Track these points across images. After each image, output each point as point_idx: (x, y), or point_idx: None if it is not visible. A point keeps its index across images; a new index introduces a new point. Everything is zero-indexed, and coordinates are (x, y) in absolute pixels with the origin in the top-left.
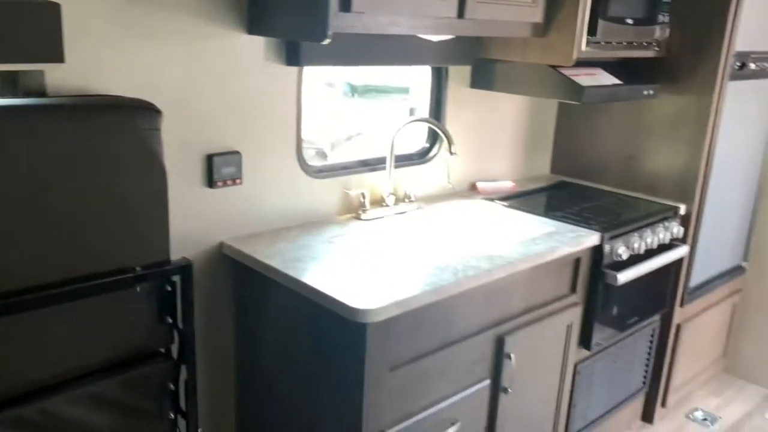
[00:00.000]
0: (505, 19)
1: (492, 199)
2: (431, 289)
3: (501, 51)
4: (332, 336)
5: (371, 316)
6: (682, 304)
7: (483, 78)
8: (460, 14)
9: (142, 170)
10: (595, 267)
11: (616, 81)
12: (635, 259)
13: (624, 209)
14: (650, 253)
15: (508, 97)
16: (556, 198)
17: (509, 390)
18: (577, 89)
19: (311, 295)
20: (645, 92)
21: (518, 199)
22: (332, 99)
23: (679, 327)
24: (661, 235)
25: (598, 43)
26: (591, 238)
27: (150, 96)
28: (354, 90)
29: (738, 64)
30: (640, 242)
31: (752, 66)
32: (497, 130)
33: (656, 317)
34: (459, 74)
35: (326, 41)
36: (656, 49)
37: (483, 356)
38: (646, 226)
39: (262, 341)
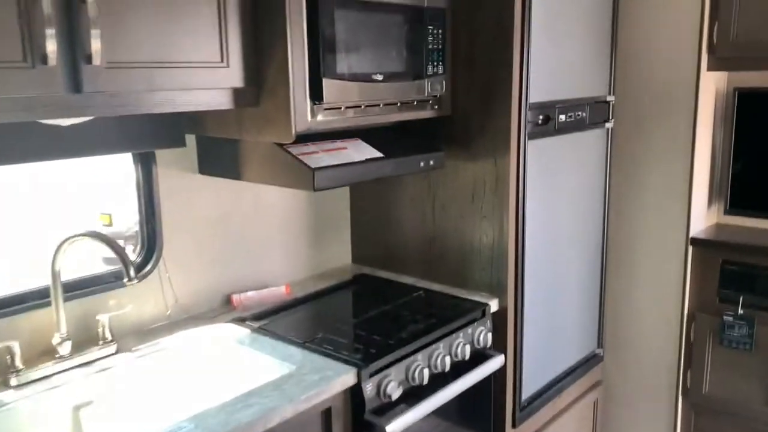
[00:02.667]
0: (181, 86)
1: (244, 320)
2: None
3: (217, 125)
4: None
5: None
6: (514, 425)
7: (212, 161)
8: (76, 88)
9: None
10: (357, 416)
11: (376, 154)
12: (419, 392)
13: (417, 314)
14: (451, 374)
15: None
16: (335, 305)
17: None
18: (305, 173)
19: None
20: (422, 164)
21: (279, 315)
22: None
23: None
24: (459, 349)
25: (338, 108)
26: (343, 379)
27: None
28: None
29: (541, 117)
30: (425, 367)
31: (562, 118)
32: (258, 223)
33: None
34: (183, 157)
35: None
36: (435, 107)
37: None
38: (440, 338)
39: None
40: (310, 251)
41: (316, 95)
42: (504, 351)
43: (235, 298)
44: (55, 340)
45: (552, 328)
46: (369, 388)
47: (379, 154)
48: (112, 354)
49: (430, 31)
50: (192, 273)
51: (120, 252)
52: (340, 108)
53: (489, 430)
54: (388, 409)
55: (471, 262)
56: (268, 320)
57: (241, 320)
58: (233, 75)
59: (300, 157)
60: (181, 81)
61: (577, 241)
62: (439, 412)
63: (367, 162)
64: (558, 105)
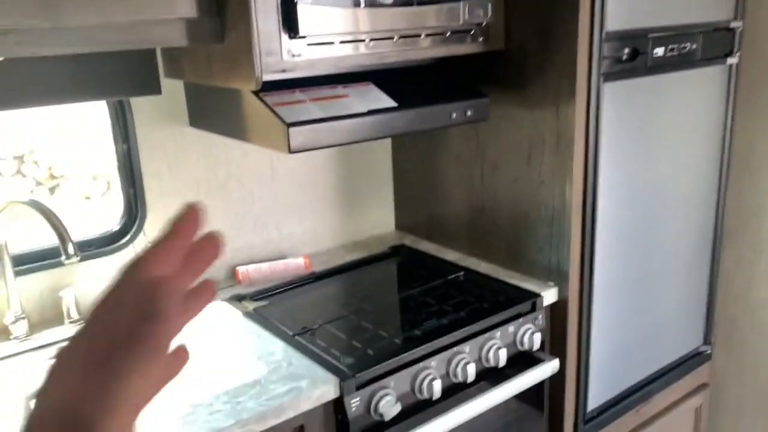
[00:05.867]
0: (126, 19)
1: (242, 298)
2: None
3: (192, 69)
4: None
5: None
6: None
7: (202, 112)
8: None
9: None
10: None
11: (386, 104)
12: (428, 407)
13: (447, 303)
14: (479, 384)
15: None
16: (354, 285)
17: None
18: (277, 129)
19: None
20: (454, 115)
21: (285, 295)
22: None
23: None
24: (491, 354)
25: (328, 44)
26: (320, 392)
27: None
28: None
29: (627, 51)
30: (437, 377)
31: (658, 51)
32: (275, 185)
33: None
34: (170, 107)
35: None
36: (478, 40)
37: None
38: (466, 339)
39: None
40: (343, 216)
41: (291, 25)
42: (563, 353)
43: (241, 271)
44: (8, 320)
45: (637, 322)
46: (356, 404)
47: (390, 103)
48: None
49: None
50: None
51: (56, 224)
52: (332, 43)
53: None
54: (385, 428)
55: (526, 239)
56: (268, 301)
57: (239, 299)
58: (186, 3)
59: (276, 107)
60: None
61: (679, 213)
62: (474, 423)
63: (371, 114)
64: (652, 34)
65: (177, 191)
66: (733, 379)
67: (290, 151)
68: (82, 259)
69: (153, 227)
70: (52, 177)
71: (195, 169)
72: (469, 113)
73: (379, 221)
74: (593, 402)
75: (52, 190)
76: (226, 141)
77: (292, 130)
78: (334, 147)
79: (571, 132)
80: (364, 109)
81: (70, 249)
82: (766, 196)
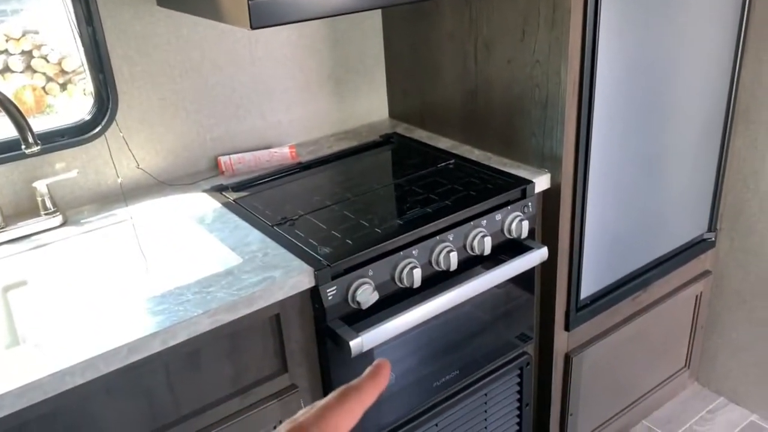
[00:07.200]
0: None
1: (223, 189)
2: None
3: None
4: None
5: None
6: (567, 328)
7: None
8: None
9: None
10: (320, 324)
11: None
12: (411, 295)
13: (434, 192)
14: (466, 271)
15: None
16: (341, 174)
17: None
18: (240, 3)
19: None
20: None
21: (267, 185)
22: None
23: (569, 359)
24: (475, 242)
25: None
26: (294, 281)
27: None
28: None
29: None
30: (417, 266)
31: None
32: (257, 68)
33: (519, 352)
34: None
35: None
36: None
37: None
38: (450, 227)
39: None
40: (333, 104)
41: None
42: (554, 240)
43: (223, 161)
44: None
45: (637, 208)
46: (332, 293)
47: None
48: (56, 227)
49: None
50: (162, 132)
51: (12, 112)
52: None
53: (531, 338)
54: (364, 317)
55: (520, 124)
56: (249, 191)
57: (219, 190)
58: None
59: None
60: None
61: (687, 92)
62: (459, 313)
63: None
64: None
65: (148, 76)
66: (737, 267)
67: (252, 27)
68: (56, 149)
69: (126, 115)
70: (63, 72)
71: (166, 52)
72: None
73: (371, 109)
74: (587, 290)
75: (63, 86)
76: (198, 21)
77: (253, 3)
78: (304, 22)
79: (567, 2)
80: None
81: (30, 138)
82: None
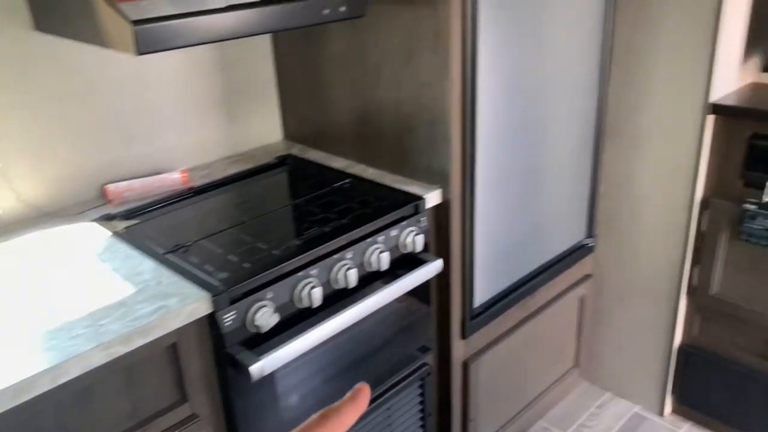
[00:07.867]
0: None
1: (112, 218)
2: None
3: None
4: None
5: None
6: (464, 336)
7: (47, 14)
8: None
9: None
10: (219, 350)
11: None
12: (311, 315)
13: (330, 212)
14: (363, 288)
15: None
16: (236, 197)
17: None
18: (120, 27)
19: None
20: (326, 11)
21: (158, 212)
22: None
23: (466, 366)
24: (372, 258)
25: None
26: (191, 308)
27: None
28: None
29: None
30: (318, 285)
31: None
32: (143, 94)
33: (419, 364)
34: (10, 7)
35: None
36: None
37: None
38: (348, 246)
39: None
40: (225, 127)
41: None
42: (447, 253)
43: (111, 189)
44: None
45: (523, 218)
46: (230, 318)
47: None
48: None
49: None
50: (45, 162)
51: None
52: None
53: (430, 349)
54: (265, 340)
55: (410, 143)
56: (139, 219)
57: (108, 219)
58: None
59: (120, 3)
60: None
61: (562, 109)
62: (360, 330)
63: (231, 10)
64: None
65: (26, 104)
66: (615, 269)
67: (138, 53)
68: None
69: (4, 146)
70: None
71: (45, 79)
72: (342, 9)
73: (265, 131)
74: (480, 298)
75: None
76: (81, 47)
77: (138, 29)
78: (190, 47)
79: (448, 29)
80: (223, 4)
81: None
82: (643, 93)
